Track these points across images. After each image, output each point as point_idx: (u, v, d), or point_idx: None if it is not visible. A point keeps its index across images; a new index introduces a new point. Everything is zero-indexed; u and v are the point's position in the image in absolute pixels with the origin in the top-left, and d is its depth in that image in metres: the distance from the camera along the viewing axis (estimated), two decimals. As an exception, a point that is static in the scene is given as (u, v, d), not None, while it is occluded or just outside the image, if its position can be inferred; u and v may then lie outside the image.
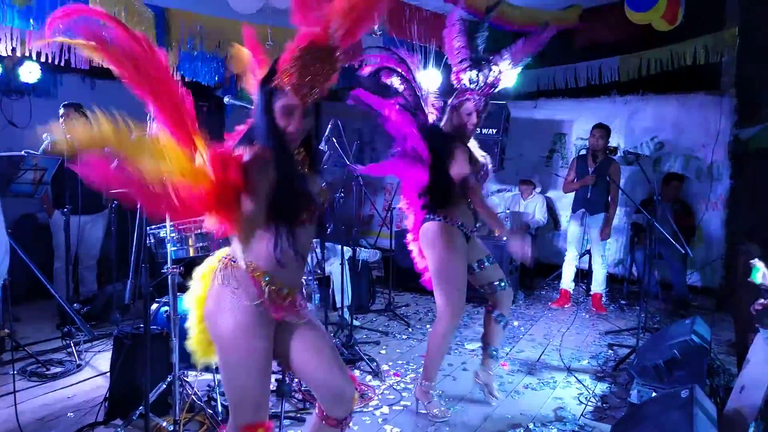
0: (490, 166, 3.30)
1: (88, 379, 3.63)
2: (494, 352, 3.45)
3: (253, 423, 1.88)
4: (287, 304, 1.91)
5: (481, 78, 3.04)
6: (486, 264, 3.29)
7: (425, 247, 3.17)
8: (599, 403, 3.46)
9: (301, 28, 1.73)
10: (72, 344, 3.99)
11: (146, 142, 1.64)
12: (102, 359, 3.90)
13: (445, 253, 3.10)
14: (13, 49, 3.72)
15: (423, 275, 3.29)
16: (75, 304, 4.53)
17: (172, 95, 1.66)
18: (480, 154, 3.23)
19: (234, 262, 1.87)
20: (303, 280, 2.08)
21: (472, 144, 3.22)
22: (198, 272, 2.01)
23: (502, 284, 3.30)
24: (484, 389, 3.49)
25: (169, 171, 1.59)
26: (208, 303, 1.89)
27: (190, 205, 1.63)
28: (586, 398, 3.53)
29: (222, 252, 1.96)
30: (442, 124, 3.13)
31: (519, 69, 3.18)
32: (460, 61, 3.10)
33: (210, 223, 1.72)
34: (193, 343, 2.01)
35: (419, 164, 2.96)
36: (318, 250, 4.30)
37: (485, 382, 3.48)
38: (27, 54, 3.88)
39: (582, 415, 3.32)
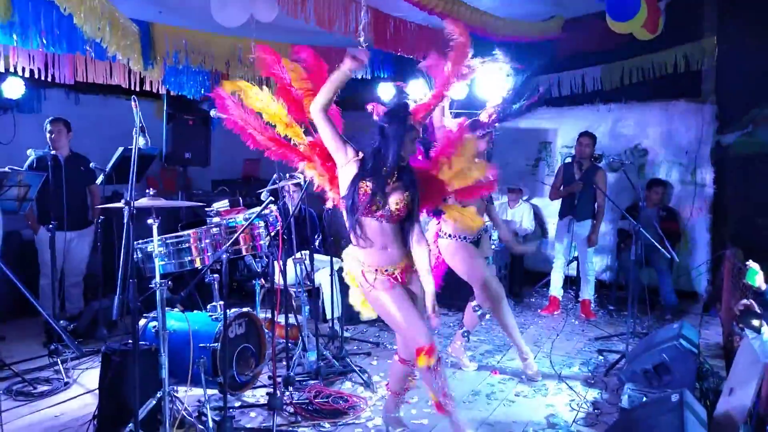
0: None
1: (76, 396, 3.58)
2: (465, 333, 4.09)
3: (418, 346, 2.67)
4: (396, 276, 2.74)
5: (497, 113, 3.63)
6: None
7: (447, 260, 3.85)
8: (591, 409, 3.47)
9: (437, 85, 2.81)
10: (59, 362, 3.94)
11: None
12: (90, 377, 3.85)
13: (463, 266, 3.82)
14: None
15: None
16: (61, 321, 4.46)
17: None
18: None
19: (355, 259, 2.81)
20: (405, 260, 2.79)
21: None
22: (345, 256, 2.89)
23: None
24: (458, 362, 4.10)
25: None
26: (360, 287, 2.85)
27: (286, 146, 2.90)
28: (577, 404, 3.54)
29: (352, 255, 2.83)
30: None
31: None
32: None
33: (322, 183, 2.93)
34: (357, 304, 2.98)
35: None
36: (307, 263, 4.29)
37: (456, 354, 4.12)
38: (12, 69, 3.86)
39: (574, 421, 3.32)
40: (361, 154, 2.70)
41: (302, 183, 3.82)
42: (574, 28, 5.71)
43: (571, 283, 6.10)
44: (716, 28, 5.85)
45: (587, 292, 5.58)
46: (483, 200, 3.76)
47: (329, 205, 2.93)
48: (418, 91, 3.46)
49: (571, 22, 5.64)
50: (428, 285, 2.77)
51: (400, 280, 2.75)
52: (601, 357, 4.39)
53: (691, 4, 5.70)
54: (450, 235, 3.79)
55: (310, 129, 2.92)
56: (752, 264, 3.45)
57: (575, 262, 5.93)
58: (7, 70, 3.87)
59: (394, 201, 2.66)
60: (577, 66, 6.58)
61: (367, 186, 2.62)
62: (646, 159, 6.35)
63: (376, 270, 2.72)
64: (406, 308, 2.70)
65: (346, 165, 2.69)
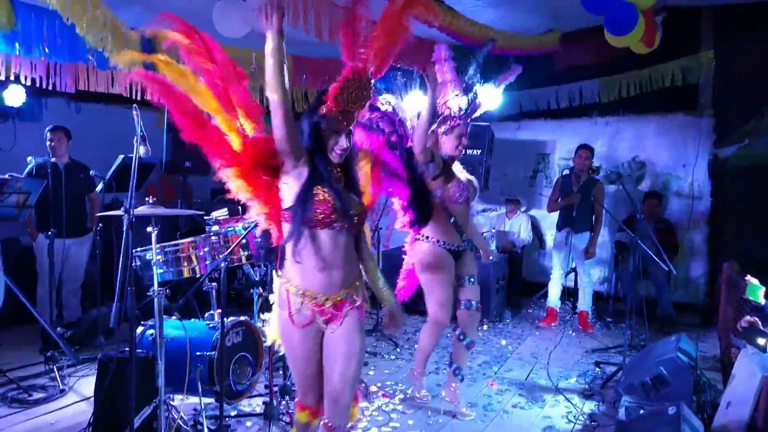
0: (476, 186, 3.53)
1: (72, 404, 3.57)
2: (457, 371, 3.56)
3: (301, 403, 2.33)
4: (326, 311, 2.20)
5: (467, 105, 3.36)
6: (466, 284, 3.51)
7: (416, 263, 3.46)
8: (587, 422, 3.47)
9: (347, 64, 2.19)
10: (55, 369, 3.93)
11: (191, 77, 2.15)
12: (86, 384, 3.84)
13: (431, 273, 3.39)
14: (-1, 73, 3.73)
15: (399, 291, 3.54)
16: (58, 328, 4.46)
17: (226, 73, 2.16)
18: (465, 176, 3.45)
19: (281, 278, 2.27)
20: (345, 291, 2.24)
21: (457, 166, 3.44)
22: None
23: (472, 305, 3.51)
24: (452, 407, 3.57)
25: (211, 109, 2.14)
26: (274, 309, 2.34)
27: (226, 151, 2.12)
28: (574, 417, 3.53)
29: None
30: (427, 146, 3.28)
31: (500, 92, 3.59)
32: (452, 92, 3.38)
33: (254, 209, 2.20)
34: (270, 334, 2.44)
35: (399, 181, 3.27)
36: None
37: (450, 399, 3.58)
38: (13, 77, 3.88)
39: (571, 433, 3.32)
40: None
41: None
42: (571, 41, 5.77)
43: (569, 294, 6.11)
44: (713, 41, 5.91)
45: (585, 304, 5.59)
46: (467, 206, 3.49)
47: (261, 227, 2.27)
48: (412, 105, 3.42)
49: (568, 35, 5.70)
50: (390, 299, 2.41)
51: (326, 316, 2.20)
52: (598, 369, 4.38)
53: (688, 18, 5.76)
54: (428, 238, 3.38)
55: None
56: (752, 279, 3.46)
57: (573, 274, 5.94)
58: (8, 78, 3.89)
59: (352, 208, 2.21)
60: (575, 79, 6.63)
61: (324, 193, 2.13)
62: (644, 171, 6.38)
63: (304, 295, 2.18)
64: (308, 360, 2.24)
65: (296, 169, 2.15)
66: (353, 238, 2.27)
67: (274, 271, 2.41)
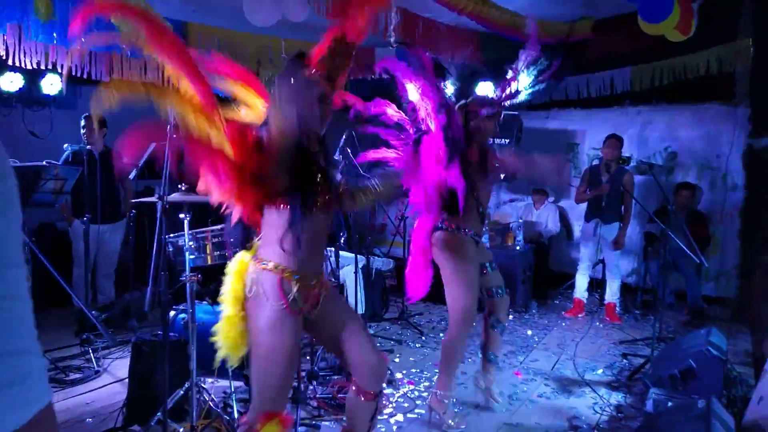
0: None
1: (107, 385, 3.69)
2: (492, 357, 3.48)
3: (272, 411, 2.03)
4: (315, 293, 2.10)
5: (503, 90, 3.18)
6: (488, 270, 3.36)
7: (438, 255, 3.16)
8: (614, 413, 3.45)
9: (336, 24, 2.00)
10: (90, 351, 4.05)
11: (173, 91, 1.87)
12: (120, 366, 3.95)
13: (458, 263, 3.13)
14: (38, 63, 3.81)
15: (409, 285, 3.13)
16: (93, 312, 4.58)
17: (193, 68, 1.86)
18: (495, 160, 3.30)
19: (263, 263, 2.03)
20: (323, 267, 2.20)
21: (488, 152, 3.30)
22: (231, 268, 2.11)
23: (500, 291, 3.38)
24: (485, 393, 3.51)
25: (191, 122, 1.82)
26: (246, 300, 2.04)
27: (209, 160, 1.84)
28: (600, 408, 3.51)
29: (251, 251, 2.11)
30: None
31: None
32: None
33: (233, 207, 1.98)
34: (222, 337, 2.09)
35: (436, 165, 2.84)
36: (332, 259, 4.33)
37: (485, 386, 3.51)
38: (50, 67, 3.97)
39: (597, 424, 3.31)
40: None
41: None
42: (604, 29, 5.66)
43: (597, 285, 6.05)
44: (752, 29, 5.73)
45: (612, 296, 5.53)
46: (489, 189, 3.36)
47: (234, 217, 2.05)
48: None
49: (601, 23, 5.59)
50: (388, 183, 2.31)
51: (312, 299, 2.11)
52: (625, 360, 4.35)
53: (726, 5, 5.60)
54: (458, 228, 3.15)
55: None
56: None
57: (600, 265, 5.88)
58: (46, 67, 3.99)
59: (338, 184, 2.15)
60: (607, 67, 6.51)
61: (320, 177, 2.05)
62: (676, 162, 6.26)
63: (300, 279, 2.02)
64: (295, 354, 2.07)
65: None
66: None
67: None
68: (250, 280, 2.02)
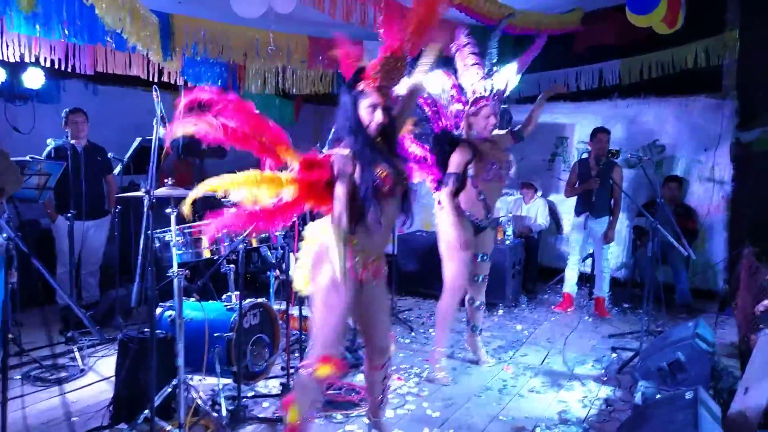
0: (512, 162, 3.85)
1: (93, 383, 3.64)
2: (474, 328, 4.06)
3: (328, 355, 2.42)
4: (373, 268, 2.51)
5: (494, 86, 3.56)
6: (479, 261, 3.84)
7: (437, 211, 3.68)
8: (603, 406, 3.46)
9: (386, 41, 2.34)
10: (75, 349, 4.00)
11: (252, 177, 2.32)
12: (105, 364, 3.90)
13: (450, 223, 3.54)
14: (21, 56, 3.74)
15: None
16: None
17: (261, 129, 2.32)
18: (499, 154, 3.73)
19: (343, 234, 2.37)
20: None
21: (491, 144, 3.71)
22: (312, 230, 2.51)
23: (478, 278, 3.91)
24: (475, 355, 4.08)
25: (261, 196, 2.30)
26: (313, 259, 2.45)
27: (284, 212, 2.34)
28: (590, 401, 3.52)
29: (322, 223, 2.48)
30: (461, 129, 3.65)
31: (520, 74, 3.77)
32: (477, 75, 3.60)
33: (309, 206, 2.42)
34: (297, 279, 2.54)
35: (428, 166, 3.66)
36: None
37: (472, 348, 4.10)
38: (33, 59, 3.90)
39: (586, 417, 3.31)
40: (348, 150, 2.38)
41: None
42: (593, 21, 5.66)
43: (586, 280, 6.07)
44: (739, 21, 5.75)
45: (601, 290, 5.55)
46: (499, 183, 3.78)
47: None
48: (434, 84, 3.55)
49: (590, 15, 5.59)
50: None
51: (370, 272, 2.52)
52: (614, 354, 4.36)
53: (713, -3, 5.63)
54: (458, 208, 3.63)
55: None
56: None
57: (590, 259, 5.89)
58: (30, 59, 3.92)
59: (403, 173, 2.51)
60: (596, 60, 6.51)
61: (383, 169, 2.37)
62: (664, 155, 6.28)
63: (363, 251, 2.45)
64: (349, 311, 2.48)
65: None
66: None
67: (291, 254, 2.71)
68: (325, 242, 2.40)
